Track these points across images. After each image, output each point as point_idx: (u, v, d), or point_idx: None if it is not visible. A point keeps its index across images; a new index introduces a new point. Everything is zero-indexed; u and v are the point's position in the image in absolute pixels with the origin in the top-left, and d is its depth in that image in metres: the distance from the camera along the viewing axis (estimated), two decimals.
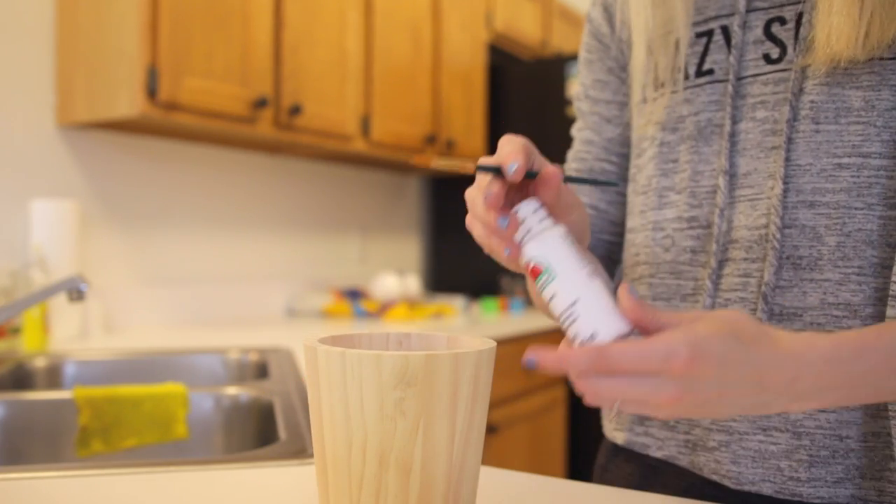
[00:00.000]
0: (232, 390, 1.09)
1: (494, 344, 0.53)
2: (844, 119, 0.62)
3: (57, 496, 0.62)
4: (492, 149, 2.86)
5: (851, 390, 0.50)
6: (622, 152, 0.84)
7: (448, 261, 3.00)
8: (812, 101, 0.63)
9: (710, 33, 0.71)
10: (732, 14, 0.69)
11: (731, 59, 0.68)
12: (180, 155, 2.10)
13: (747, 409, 0.50)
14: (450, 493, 0.49)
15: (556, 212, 0.59)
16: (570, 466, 2.57)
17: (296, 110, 1.97)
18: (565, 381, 2.57)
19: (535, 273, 0.52)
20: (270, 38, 1.92)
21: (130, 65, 1.63)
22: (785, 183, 0.64)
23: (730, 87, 0.68)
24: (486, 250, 0.60)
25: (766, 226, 0.65)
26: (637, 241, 0.77)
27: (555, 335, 2.48)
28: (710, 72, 0.70)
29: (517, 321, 2.27)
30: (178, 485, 0.65)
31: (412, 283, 2.52)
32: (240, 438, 1.09)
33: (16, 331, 1.52)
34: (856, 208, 0.61)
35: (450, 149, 2.61)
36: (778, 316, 0.64)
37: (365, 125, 2.26)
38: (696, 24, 0.72)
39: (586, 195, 0.84)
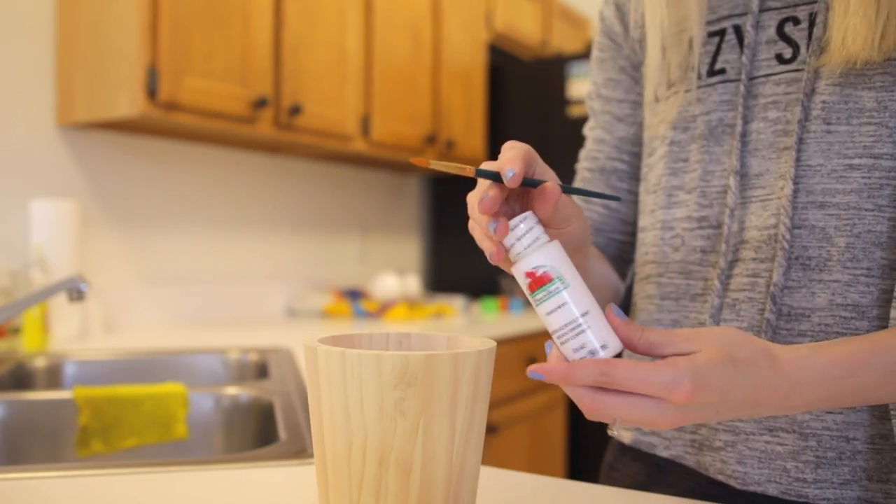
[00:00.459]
0: (232, 390, 1.09)
1: (494, 344, 0.53)
2: (856, 120, 0.62)
3: (57, 496, 0.62)
4: (492, 149, 2.86)
5: (840, 401, 0.52)
6: (634, 151, 0.84)
7: (448, 261, 3.00)
8: (824, 102, 0.63)
9: (722, 32, 0.71)
10: (745, 14, 0.69)
11: (744, 58, 0.68)
12: (180, 155, 2.10)
13: (741, 416, 0.51)
14: (450, 493, 0.49)
15: (554, 223, 0.57)
16: (570, 466, 2.57)
17: (296, 110, 1.97)
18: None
19: (544, 280, 0.51)
20: (270, 38, 1.92)
21: (130, 65, 1.63)
22: (795, 183, 0.64)
23: (742, 87, 0.68)
24: (486, 254, 0.60)
25: (776, 226, 0.65)
26: (647, 240, 0.77)
27: None
28: (722, 71, 0.70)
29: (517, 321, 2.27)
30: (178, 485, 0.65)
31: (412, 283, 2.52)
32: (240, 438, 1.09)
33: (16, 331, 1.52)
34: (866, 210, 0.61)
35: (450, 149, 2.61)
36: (786, 316, 0.64)
37: (365, 125, 2.26)
38: (708, 23, 0.72)
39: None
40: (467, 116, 2.72)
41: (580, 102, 2.66)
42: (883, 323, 0.61)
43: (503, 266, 0.56)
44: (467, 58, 2.72)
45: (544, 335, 2.39)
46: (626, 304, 0.85)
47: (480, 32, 2.80)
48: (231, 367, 1.45)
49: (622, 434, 0.80)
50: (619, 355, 0.51)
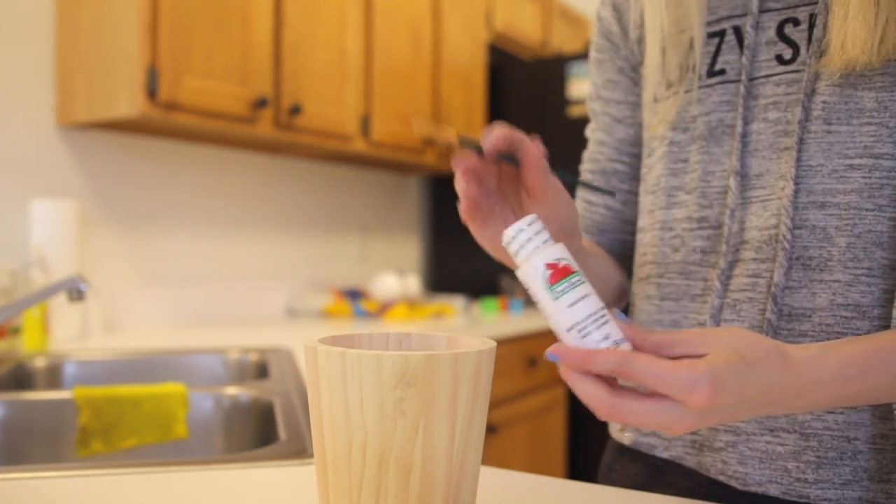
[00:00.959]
0: (232, 390, 1.09)
1: (494, 344, 0.53)
2: (857, 120, 0.62)
3: (57, 496, 0.62)
4: None
5: (852, 400, 0.52)
6: (634, 152, 0.84)
7: (448, 261, 3.00)
8: (824, 102, 0.63)
9: (721, 34, 0.71)
10: (745, 14, 0.69)
11: (744, 59, 0.68)
12: (180, 155, 2.10)
13: (757, 416, 0.52)
14: (450, 493, 0.49)
15: (543, 197, 0.60)
16: (570, 466, 2.57)
17: (296, 110, 1.97)
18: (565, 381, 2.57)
19: (567, 272, 0.51)
20: (270, 38, 1.92)
21: (130, 65, 1.63)
22: (796, 184, 0.64)
23: (742, 88, 0.68)
24: (470, 226, 0.62)
25: (777, 226, 0.65)
26: (645, 240, 0.77)
27: (554, 335, 2.48)
28: (722, 72, 0.70)
29: (517, 321, 2.27)
30: (178, 485, 0.65)
31: (412, 283, 2.52)
32: (240, 438, 1.09)
33: (16, 331, 1.52)
34: (866, 209, 0.61)
35: (449, 149, 2.61)
36: (787, 316, 0.64)
37: (365, 125, 2.26)
38: (707, 24, 0.71)
39: (601, 196, 0.84)
40: (467, 116, 2.72)
41: (580, 102, 2.66)
42: (884, 323, 0.61)
43: (475, 227, 0.61)
44: (467, 58, 2.72)
45: (544, 335, 2.39)
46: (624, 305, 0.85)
47: (480, 32, 2.80)
48: (231, 367, 1.45)
49: (624, 436, 0.80)
50: None
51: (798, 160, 0.64)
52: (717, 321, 0.68)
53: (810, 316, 0.63)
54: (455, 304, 2.50)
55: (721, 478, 0.68)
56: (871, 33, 0.59)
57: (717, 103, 0.70)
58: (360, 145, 2.25)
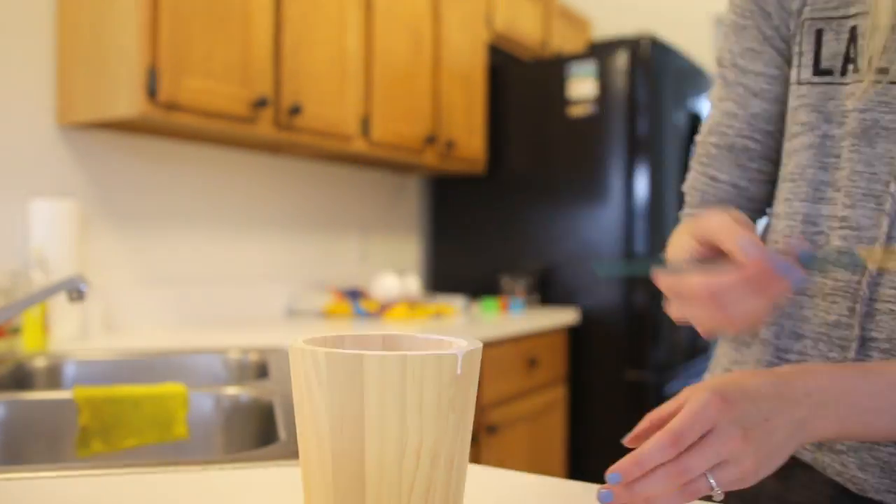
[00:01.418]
0: (232, 390, 1.09)
1: (480, 345, 0.53)
2: None
3: (57, 496, 0.62)
4: (492, 149, 2.86)
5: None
6: (767, 129, 0.79)
7: (448, 261, 3.00)
8: None
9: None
10: None
11: None
12: (180, 155, 2.10)
13: (793, 431, 0.52)
14: (463, 481, 0.51)
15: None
16: (570, 466, 2.57)
17: (296, 110, 1.97)
18: (565, 381, 2.57)
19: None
20: (270, 38, 1.92)
21: (130, 65, 1.63)
22: None
23: None
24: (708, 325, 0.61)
25: None
26: (779, 227, 0.74)
27: (554, 335, 2.48)
28: (885, 71, 0.66)
29: (517, 321, 2.27)
30: (178, 485, 0.65)
31: (412, 283, 2.52)
32: (240, 438, 1.09)
33: (16, 331, 1.52)
34: None
35: (450, 149, 2.61)
36: None
37: (365, 125, 2.26)
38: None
39: (725, 172, 0.80)
40: (467, 116, 2.72)
41: (580, 102, 2.66)
42: None
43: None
44: (467, 58, 2.72)
45: (544, 335, 2.40)
46: None
47: (480, 32, 2.80)
48: (231, 368, 1.45)
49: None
50: None
51: None
52: (861, 327, 0.66)
53: None
54: (455, 304, 2.50)
55: (838, 479, 0.67)
56: None
57: (877, 102, 0.66)
58: (360, 145, 2.25)
